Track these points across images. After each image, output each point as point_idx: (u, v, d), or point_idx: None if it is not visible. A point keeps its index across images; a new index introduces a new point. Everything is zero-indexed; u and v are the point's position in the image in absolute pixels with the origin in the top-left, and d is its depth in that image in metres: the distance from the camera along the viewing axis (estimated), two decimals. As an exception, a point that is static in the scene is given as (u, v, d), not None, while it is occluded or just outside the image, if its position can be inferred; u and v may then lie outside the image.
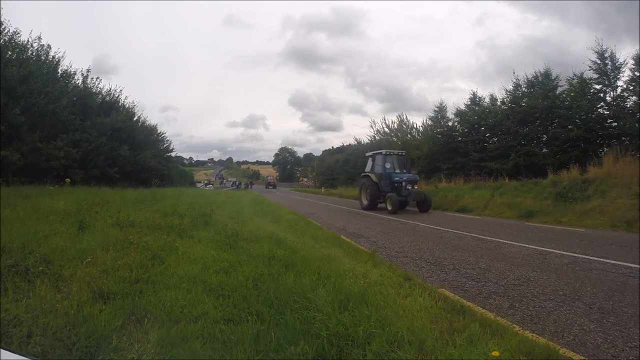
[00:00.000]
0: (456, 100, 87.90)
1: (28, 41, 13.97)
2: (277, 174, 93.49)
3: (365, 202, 15.12)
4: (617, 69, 14.65)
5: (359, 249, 5.95)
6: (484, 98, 21.28)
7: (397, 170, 14.79)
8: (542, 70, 17.72)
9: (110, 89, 21.67)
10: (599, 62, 14.90)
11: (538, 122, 16.62)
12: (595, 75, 15.11)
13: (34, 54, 14.31)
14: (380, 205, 14.52)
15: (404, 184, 13.58)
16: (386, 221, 10.69)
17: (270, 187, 56.41)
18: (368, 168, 15.67)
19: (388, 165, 14.73)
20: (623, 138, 13.35)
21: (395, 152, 15.97)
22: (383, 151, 15.45)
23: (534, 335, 2.65)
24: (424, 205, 13.46)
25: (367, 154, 16.70)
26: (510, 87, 18.72)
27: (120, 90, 22.16)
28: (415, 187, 13.70)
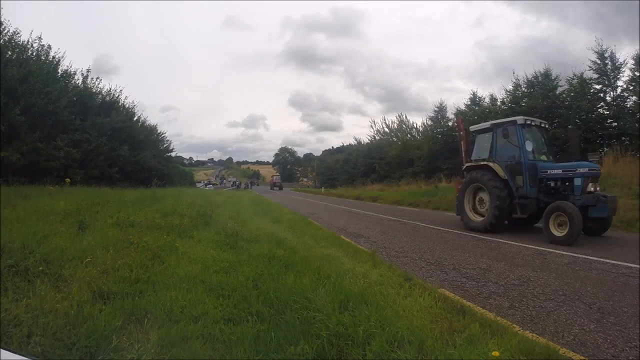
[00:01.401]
0: (455, 100, 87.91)
1: (28, 41, 13.97)
2: (278, 174, 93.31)
3: (476, 217, 8.37)
4: (617, 69, 14.69)
5: (359, 249, 5.95)
6: (484, 98, 21.35)
7: (543, 157, 8.25)
8: (542, 70, 17.77)
9: (110, 89, 21.64)
10: (599, 62, 14.93)
11: (538, 122, 16.63)
12: (595, 75, 15.14)
13: (34, 54, 14.29)
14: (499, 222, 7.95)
15: (579, 182, 7.07)
16: (386, 221, 10.68)
17: (275, 188, 50.52)
18: (482, 152, 8.78)
19: (529, 147, 7.95)
20: (623, 138, 13.38)
21: (537, 121, 8.58)
22: (519, 119, 8.14)
23: (534, 335, 2.65)
24: (603, 223, 7.08)
25: (475, 128, 9.31)
26: (510, 87, 18.75)
27: (120, 90, 22.14)
28: (598, 188, 7.27)
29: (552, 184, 7.51)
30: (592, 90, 15.10)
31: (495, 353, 2.02)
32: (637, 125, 12.99)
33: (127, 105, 22.70)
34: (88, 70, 19.12)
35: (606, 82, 14.90)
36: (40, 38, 14.54)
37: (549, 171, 7.63)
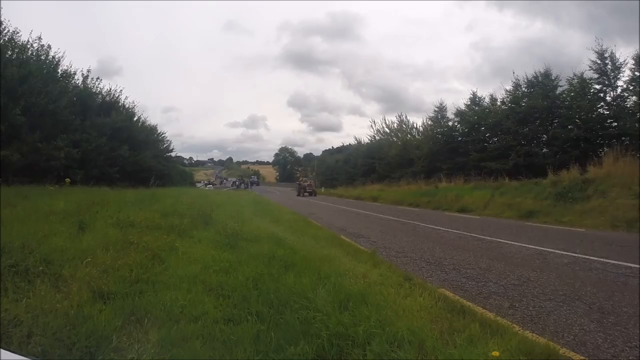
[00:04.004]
0: (454, 100, 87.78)
1: (28, 41, 13.98)
2: (277, 174, 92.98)
3: None
4: (617, 69, 14.67)
5: (359, 249, 5.95)
6: (484, 98, 21.30)
7: None
8: (542, 70, 17.74)
9: (110, 89, 21.64)
10: (599, 62, 14.91)
11: (538, 122, 16.63)
12: (595, 75, 15.13)
13: (34, 54, 14.30)
14: None
15: None
16: (386, 221, 10.69)
17: (306, 194, 30.79)
18: None
19: None
20: (623, 138, 13.36)
21: None
22: None
23: (534, 335, 2.65)
24: None
25: None
26: (508, 87, 18.73)
27: (121, 90, 22.11)
28: None
29: None
30: (592, 90, 15.10)
31: (495, 353, 2.02)
32: (637, 125, 12.98)
33: (127, 106, 22.70)
34: (88, 71, 19.16)
35: (606, 82, 14.89)
36: (40, 38, 14.54)
37: None
